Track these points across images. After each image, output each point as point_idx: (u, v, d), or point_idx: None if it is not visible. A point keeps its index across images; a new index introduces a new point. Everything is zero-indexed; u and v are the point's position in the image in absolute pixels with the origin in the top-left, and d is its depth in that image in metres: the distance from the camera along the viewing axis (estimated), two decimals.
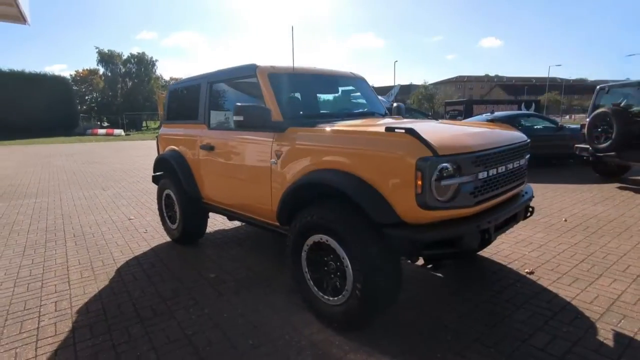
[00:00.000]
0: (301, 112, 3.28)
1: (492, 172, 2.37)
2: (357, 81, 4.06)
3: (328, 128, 2.66)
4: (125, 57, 44.10)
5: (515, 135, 2.80)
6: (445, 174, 2.09)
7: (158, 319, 2.75)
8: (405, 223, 2.16)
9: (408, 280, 3.23)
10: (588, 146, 7.15)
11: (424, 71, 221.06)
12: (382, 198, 2.19)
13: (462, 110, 22.92)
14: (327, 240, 2.42)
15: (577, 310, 2.68)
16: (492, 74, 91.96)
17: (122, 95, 44.37)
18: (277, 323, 2.64)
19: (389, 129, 2.21)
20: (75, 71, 44.91)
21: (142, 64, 45.67)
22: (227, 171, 3.48)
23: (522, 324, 2.52)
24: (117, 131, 31.05)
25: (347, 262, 2.31)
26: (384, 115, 3.81)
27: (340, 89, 3.99)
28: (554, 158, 9.65)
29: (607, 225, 4.60)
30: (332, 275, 2.47)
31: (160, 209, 4.66)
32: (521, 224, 4.61)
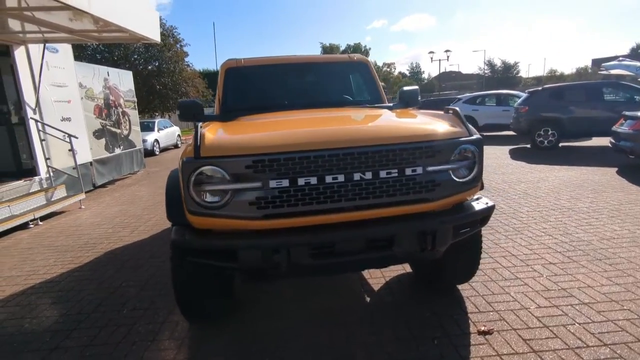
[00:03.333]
0: (249, 105, 3.28)
1: (307, 181, 1.86)
2: (355, 66, 3.61)
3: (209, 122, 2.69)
4: (342, 48, 49.49)
5: (409, 133, 2.00)
6: (208, 178, 1.86)
7: (103, 273, 3.56)
8: (192, 226, 2.05)
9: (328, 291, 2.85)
10: None
11: None
12: (179, 197, 2.14)
13: None
14: None
15: None
16: None
17: None
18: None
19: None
20: None
21: (358, 53, 49.92)
22: None
23: None
24: None
25: None
26: (373, 106, 3.26)
27: (332, 76, 3.63)
28: None
29: None
30: None
31: None
32: (583, 258, 3.06)
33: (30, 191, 5.83)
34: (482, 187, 2.38)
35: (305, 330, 2.41)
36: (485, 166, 7.93)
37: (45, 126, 6.28)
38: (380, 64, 56.33)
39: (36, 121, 6.14)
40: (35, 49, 6.17)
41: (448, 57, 32.78)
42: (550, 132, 9.83)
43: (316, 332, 2.38)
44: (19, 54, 5.98)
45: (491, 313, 2.49)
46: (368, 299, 2.81)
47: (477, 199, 2.31)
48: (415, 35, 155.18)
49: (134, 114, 9.68)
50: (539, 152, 9.64)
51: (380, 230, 1.98)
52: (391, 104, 3.33)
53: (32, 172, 6.26)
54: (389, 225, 1.98)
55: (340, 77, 3.60)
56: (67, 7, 3.98)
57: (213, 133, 2.03)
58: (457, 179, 2.08)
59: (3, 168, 6.75)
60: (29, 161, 6.42)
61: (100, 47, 20.18)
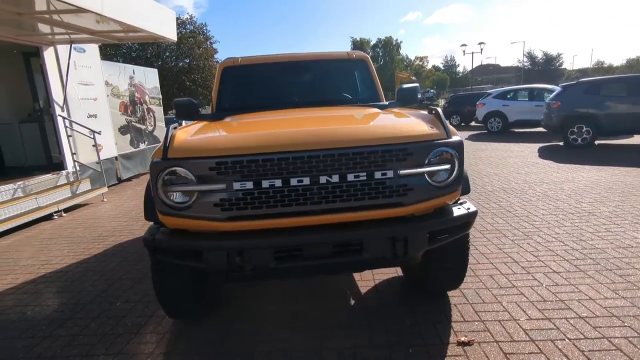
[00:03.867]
0: (243, 104, 3.30)
1: (272, 183, 1.84)
2: (354, 63, 3.54)
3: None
4: (373, 42, 48.89)
5: (371, 135, 1.93)
6: (175, 179, 1.89)
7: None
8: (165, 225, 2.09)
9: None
10: None
11: None
12: None
13: None
14: None
15: None
16: None
17: None
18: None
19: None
20: None
21: (388, 47, 49.08)
22: None
23: None
24: None
25: None
26: (366, 105, 3.16)
27: (329, 74, 3.58)
28: None
29: None
30: None
31: None
32: (592, 267, 2.89)
33: (57, 184, 6.19)
34: (467, 191, 2.28)
35: (282, 332, 2.40)
36: (508, 165, 7.58)
37: (73, 123, 6.64)
38: (412, 57, 54.99)
39: (63, 118, 6.50)
40: (63, 49, 6.52)
41: (482, 49, 31.25)
42: (584, 129, 9.22)
43: (292, 334, 2.37)
44: (48, 54, 6.33)
45: (476, 323, 2.37)
46: (353, 302, 2.76)
47: (461, 203, 2.20)
48: (451, 27, 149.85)
49: (159, 111, 10.03)
50: (571, 150, 9.09)
51: (348, 234, 1.93)
52: (386, 102, 3.24)
53: (60, 166, 6.64)
54: (357, 230, 1.93)
55: (337, 76, 3.54)
56: (80, 10, 4.16)
57: (185, 134, 2.06)
58: (433, 183, 1.99)
59: (36, 162, 7.22)
60: (58, 155, 6.82)
61: (135, 46, 21.06)
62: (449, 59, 73.00)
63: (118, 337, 2.45)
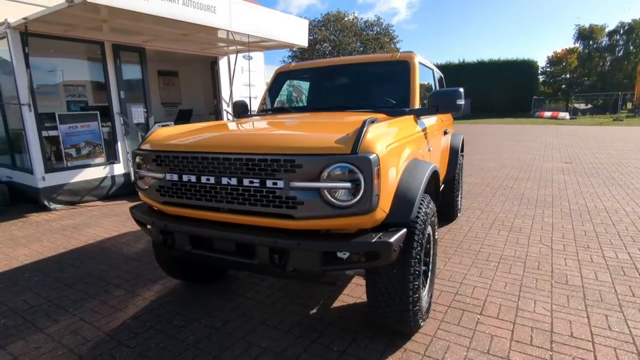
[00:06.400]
0: (280, 107, 3.59)
1: (189, 178, 2.13)
2: (396, 65, 3.28)
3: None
4: (610, 28, 38.11)
5: (282, 143, 1.92)
6: (142, 165, 2.41)
7: None
8: None
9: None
10: None
11: None
12: None
13: None
14: None
15: None
16: None
17: (597, 73, 39.47)
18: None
19: None
20: (554, 52, 44.77)
21: (634, 33, 37.40)
22: None
23: None
24: (561, 114, 29.09)
25: None
26: (378, 111, 2.88)
27: (366, 78, 3.42)
28: None
29: None
30: None
31: None
32: None
33: None
34: (404, 219, 1.94)
35: (219, 320, 2.61)
36: None
37: (233, 117, 8.39)
38: None
39: (227, 112, 8.31)
40: (233, 58, 8.27)
41: None
42: None
43: (224, 324, 2.55)
44: (222, 62, 8.19)
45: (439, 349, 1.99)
46: (313, 311, 2.70)
47: (392, 230, 1.89)
48: None
49: None
50: None
51: (241, 237, 2.02)
52: (408, 109, 2.90)
53: None
54: (247, 234, 2.00)
55: (376, 79, 3.33)
56: (213, 28, 5.31)
57: (161, 132, 2.54)
58: (335, 201, 1.83)
59: None
60: None
61: (329, 48, 23.81)
62: None
63: (123, 289, 3.18)
